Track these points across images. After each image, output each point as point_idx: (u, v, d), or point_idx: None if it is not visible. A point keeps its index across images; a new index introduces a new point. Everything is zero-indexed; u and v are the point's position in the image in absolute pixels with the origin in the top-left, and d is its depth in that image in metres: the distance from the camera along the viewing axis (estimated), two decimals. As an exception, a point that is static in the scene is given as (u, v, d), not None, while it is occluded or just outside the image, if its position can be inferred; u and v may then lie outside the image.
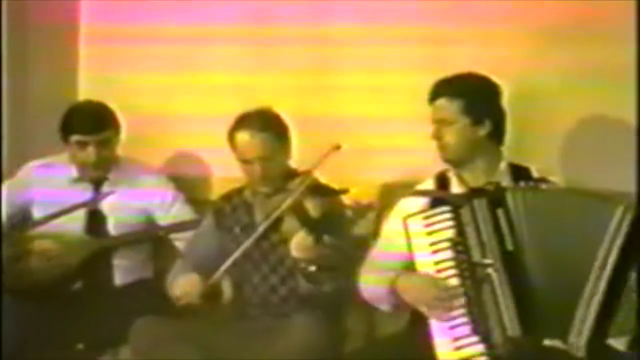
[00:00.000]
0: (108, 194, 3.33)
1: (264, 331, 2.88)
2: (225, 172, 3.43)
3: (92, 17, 3.83)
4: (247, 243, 2.90)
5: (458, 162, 2.76)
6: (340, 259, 2.76)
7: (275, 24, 3.52)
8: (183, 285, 2.95)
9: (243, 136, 2.96)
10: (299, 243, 2.75)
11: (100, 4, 3.82)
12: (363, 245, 2.88)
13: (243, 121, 2.99)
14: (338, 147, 2.88)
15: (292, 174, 3.00)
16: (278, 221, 2.89)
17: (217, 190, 3.47)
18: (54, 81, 3.72)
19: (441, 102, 2.74)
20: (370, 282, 2.75)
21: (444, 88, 2.76)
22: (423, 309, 2.58)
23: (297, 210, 2.83)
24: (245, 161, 3.00)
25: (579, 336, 2.40)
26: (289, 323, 2.84)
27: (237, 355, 2.83)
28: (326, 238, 2.72)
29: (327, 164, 2.88)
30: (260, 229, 2.90)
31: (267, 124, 2.97)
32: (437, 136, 2.74)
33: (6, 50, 3.63)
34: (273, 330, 2.85)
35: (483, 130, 2.73)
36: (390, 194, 3.05)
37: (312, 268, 2.71)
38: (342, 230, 2.81)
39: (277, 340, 2.81)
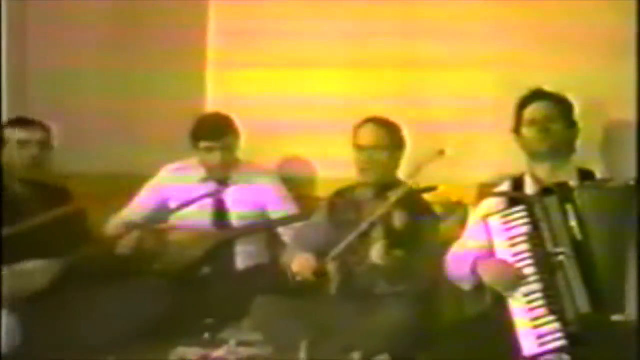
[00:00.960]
0: (224, 189, 3.68)
1: (362, 310, 3.14)
2: (327, 173, 3.82)
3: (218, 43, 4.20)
4: (350, 239, 3.16)
5: (554, 155, 2.97)
6: (408, 270, 3.09)
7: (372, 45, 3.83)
8: (300, 262, 3.25)
9: (367, 126, 3.34)
10: (377, 251, 3.11)
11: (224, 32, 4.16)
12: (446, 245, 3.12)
13: (371, 118, 3.36)
14: (442, 152, 3.15)
15: (396, 183, 3.31)
16: (373, 224, 3.18)
17: (320, 189, 3.82)
18: (184, 96, 4.06)
19: (543, 104, 3.03)
20: (456, 267, 3.01)
21: (543, 94, 3.05)
22: (501, 290, 2.82)
23: (385, 220, 3.16)
24: (359, 147, 3.32)
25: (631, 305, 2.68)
26: (384, 303, 3.12)
27: (340, 330, 3.11)
28: (397, 252, 3.07)
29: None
30: (361, 229, 3.16)
31: (388, 123, 3.34)
32: (545, 127, 2.98)
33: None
34: (370, 309, 3.12)
35: (572, 135, 3.05)
36: (477, 193, 3.32)
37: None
38: (421, 241, 3.12)
39: (373, 317, 3.09)
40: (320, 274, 3.21)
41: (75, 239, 3.34)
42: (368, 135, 3.34)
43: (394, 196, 3.18)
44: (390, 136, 3.35)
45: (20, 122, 3.43)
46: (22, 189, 3.41)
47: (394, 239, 3.09)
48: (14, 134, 3.40)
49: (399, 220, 3.14)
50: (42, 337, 3.03)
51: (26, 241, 3.18)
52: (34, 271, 3.20)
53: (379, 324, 3.08)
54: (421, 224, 3.18)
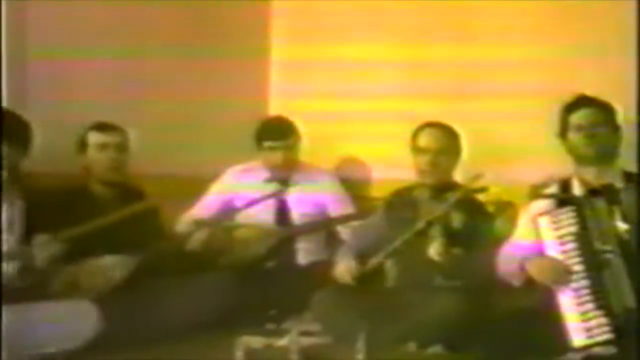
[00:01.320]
0: (286, 188, 3.84)
1: (418, 302, 3.24)
2: (382, 175, 3.98)
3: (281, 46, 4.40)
4: (405, 236, 3.29)
5: (600, 159, 3.06)
6: (464, 267, 3.21)
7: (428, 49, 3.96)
8: (341, 270, 3.40)
9: (428, 129, 3.45)
10: (435, 248, 3.22)
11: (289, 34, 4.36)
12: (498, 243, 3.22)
13: (432, 123, 3.47)
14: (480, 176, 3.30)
15: (452, 186, 3.42)
16: (430, 224, 3.30)
17: (376, 190, 3.97)
18: (248, 103, 4.24)
19: (588, 110, 3.09)
20: (506, 263, 3.12)
21: (588, 101, 3.12)
22: (550, 285, 2.93)
23: (443, 219, 3.28)
24: (420, 150, 3.42)
25: None
26: (439, 296, 3.22)
27: (396, 321, 3.23)
28: (455, 250, 3.19)
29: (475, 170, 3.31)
30: (415, 228, 3.29)
31: (447, 127, 3.46)
32: (591, 133, 3.05)
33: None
34: (426, 301, 3.22)
35: (617, 139, 3.12)
36: (526, 194, 3.33)
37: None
38: (477, 240, 3.23)
39: (428, 309, 3.18)
40: (362, 279, 3.33)
41: (148, 236, 3.48)
42: (429, 139, 3.44)
43: (452, 197, 3.29)
44: (449, 141, 3.46)
45: (100, 126, 3.56)
46: (101, 189, 3.56)
47: (451, 238, 3.21)
48: (94, 138, 3.53)
49: (456, 219, 3.27)
50: (119, 326, 3.14)
51: (104, 237, 3.31)
52: (112, 266, 3.35)
53: (433, 315, 3.18)
54: (476, 223, 3.30)
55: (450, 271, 3.24)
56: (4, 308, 2.99)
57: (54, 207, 3.41)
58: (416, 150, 3.47)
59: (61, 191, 3.52)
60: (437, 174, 3.43)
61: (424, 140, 3.46)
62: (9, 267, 3.08)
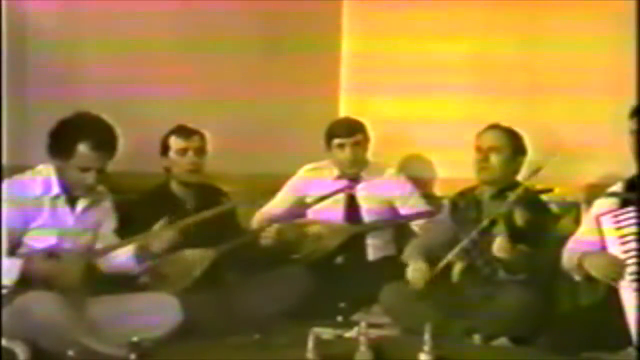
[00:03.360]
0: (355, 185, 3.89)
1: (484, 295, 3.29)
2: (447, 174, 4.03)
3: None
4: (472, 235, 3.32)
5: None
6: (529, 263, 3.22)
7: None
8: (413, 272, 3.40)
9: (488, 130, 3.49)
10: (500, 245, 3.24)
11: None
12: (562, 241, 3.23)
13: (493, 125, 3.51)
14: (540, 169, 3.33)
15: (515, 185, 3.43)
16: (494, 222, 3.32)
17: (441, 188, 4.02)
18: (320, 102, 4.34)
19: None
20: (568, 259, 3.12)
21: None
22: (609, 280, 2.93)
23: (507, 217, 3.29)
24: (478, 148, 3.46)
25: None
26: (505, 289, 3.25)
27: (463, 314, 3.28)
28: (521, 247, 3.21)
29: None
30: (480, 226, 3.32)
31: (508, 129, 3.49)
32: None
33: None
34: (492, 294, 3.26)
35: None
36: (590, 194, 3.43)
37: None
38: (541, 237, 3.24)
39: (494, 302, 3.22)
40: (433, 281, 3.35)
41: (226, 231, 3.56)
42: (487, 138, 3.49)
43: (513, 195, 3.31)
44: (508, 141, 3.48)
45: (181, 131, 3.65)
46: (181, 188, 3.66)
47: (515, 235, 3.23)
48: (175, 143, 3.62)
49: (520, 217, 3.27)
50: (197, 317, 3.21)
51: (186, 233, 3.39)
52: (194, 259, 3.45)
53: (499, 308, 3.22)
54: (540, 222, 3.30)
55: (514, 267, 3.25)
56: (100, 298, 3.14)
57: (138, 205, 3.54)
58: (476, 148, 3.51)
59: (145, 190, 3.64)
60: (492, 172, 3.46)
61: (483, 139, 3.50)
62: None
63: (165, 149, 3.65)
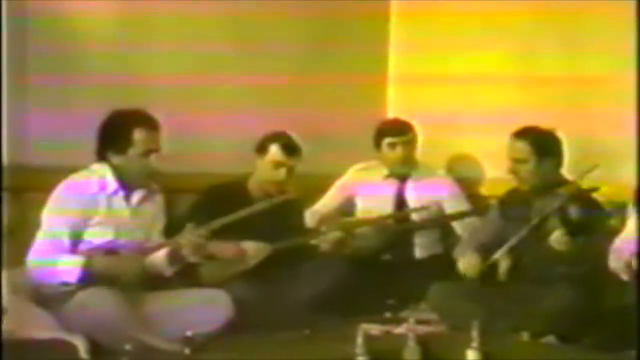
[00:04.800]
0: (404, 184, 3.92)
1: (531, 293, 3.27)
2: (495, 174, 3.98)
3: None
4: (522, 233, 3.33)
5: None
6: (587, 253, 3.22)
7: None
8: (465, 263, 3.42)
9: (512, 140, 3.45)
10: (557, 239, 3.24)
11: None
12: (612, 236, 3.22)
13: (522, 131, 3.47)
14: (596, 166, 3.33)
15: (562, 181, 3.43)
16: (546, 218, 3.33)
17: (489, 188, 4.00)
18: (368, 103, 4.41)
19: None
20: (616, 258, 3.12)
21: None
22: None
23: (561, 212, 3.29)
24: (515, 160, 3.44)
25: None
26: (552, 287, 3.24)
27: (510, 311, 3.27)
28: (578, 239, 3.21)
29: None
30: (533, 222, 3.32)
31: (531, 135, 3.43)
32: None
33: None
34: (539, 292, 3.24)
35: None
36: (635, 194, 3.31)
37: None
38: (595, 230, 3.22)
39: (542, 300, 3.21)
40: (484, 272, 3.37)
41: (285, 227, 3.58)
42: (511, 150, 3.45)
43: (565, 192, 3.31)
44: (531, 149, 3.40)
45: (287, 144, 3.58)
46: (257, 190, 3.64)
47: (569, 228, 3.23)
48: (275, 153, 3.56)
49: (574, 213, 3.26)
50: (247, 312, 3.21)
51: (245, 225, 3.38)
52: (249, 251, 3.50)
53: (547, 306, 3.20)
54: (593, 218, 3.28)
55: (573, 258, 3.24)
56: (155, 294, 3.18)
57: (212, 199, 3.56)
58: (512, 159, 3.46)
59: (220, 184, 3.65)
60: (522, 181, 3.44)
61: (508, 150, 3.46)
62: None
63: (262, 151, 3.60)
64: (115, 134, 3.16)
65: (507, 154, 3.46)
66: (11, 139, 3.36)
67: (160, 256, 3.20)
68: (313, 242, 3.69)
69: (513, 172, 3.44)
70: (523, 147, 3.40)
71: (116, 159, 3.16)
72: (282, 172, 3.58)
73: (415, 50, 4.36)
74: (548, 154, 3.45)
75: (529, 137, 3.43)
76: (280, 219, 3.48)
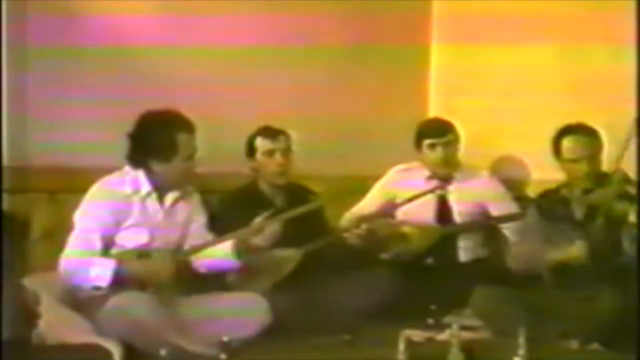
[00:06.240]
0: (447, 185, 3.81)
1: (580, 299, 3.17)
2: (540, 175, 3.88)
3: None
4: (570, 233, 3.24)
5: None
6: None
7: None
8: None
9: (572, 139, 3.35)
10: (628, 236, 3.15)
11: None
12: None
13: (570, 128, 3.38)
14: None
15: (602, 178, 3.33)
16: (591, 214, 3.25)
17: (533, 190, 3.87)
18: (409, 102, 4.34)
19: None
20: None
21: None
22: None
23: (605, 208, 3.21)
24: (572, 160, 3.35)
25: None
26: (601, 293, 3.13)
27: (558, 317, 3.17)
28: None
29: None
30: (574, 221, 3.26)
31: (590, 130, 3.37)
32: None
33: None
34: (588, 298, 3.13)
35: None
36: None
37: None
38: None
39: (591, 306, 3.10)
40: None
41: (313, 230, 3.53)
42: (578, 147, 3.34)
43: (613, 186, 3.20)
44: (594, 140, 3.34)
45: (267, 132, 3.62)
46: (270, 188, 3.65)
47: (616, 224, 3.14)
48: (262, 144, 3.60)
49: (622, 207, 3.17)
50: (286, 318, 3.17)
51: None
52: (283, 258, 3.43)
53: (596, 313, 3.09)
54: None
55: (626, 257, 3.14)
56: (191, 298, 3.13)
57: (226, 204, 3.55)
58: (560, 159, 3.38)
59: (232, 189, 3.64)
60: (585, 180, 3.34)
61: (566, 150, 3.36)
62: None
63: (251, 150, 3.63)
64: (158, 141, 3.09)
65: (562, 150, 3.35)
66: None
67: (221, 252, 3.14)
68: (344, 235, 3.63)
69: (567, 170, 3.34)
70: (586, 143, 3.32)
71: (159, 166, 3.10)
72: (277, 158, 3.57)
73: (459, 46, 4.25)
74: (601, 150, 3.38)
75: (588, 133, 3.35)
76: (302, 223, 3.38)
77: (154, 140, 3.10)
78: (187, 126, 3.12)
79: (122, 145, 3.15)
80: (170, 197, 3.19)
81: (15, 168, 3.27)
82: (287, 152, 3.61)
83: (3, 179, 3.18)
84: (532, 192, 3.89)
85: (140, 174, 3.13)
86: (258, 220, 3.23)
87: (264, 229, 3.24)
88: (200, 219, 3.30)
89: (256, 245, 3.25)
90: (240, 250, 3.19)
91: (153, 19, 3.63)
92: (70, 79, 3.46)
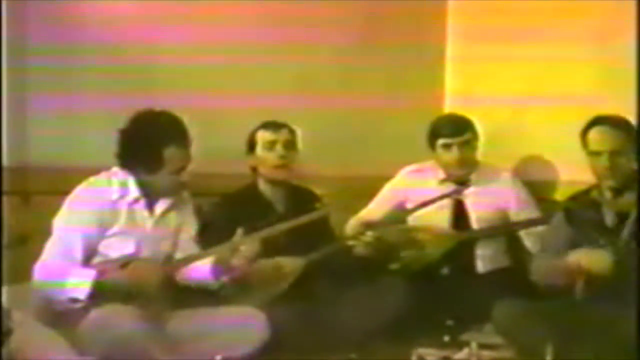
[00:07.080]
0: (464, 189, 3.54)
1: (611, 314, 2.87)
2: (569, 176, 3.59)
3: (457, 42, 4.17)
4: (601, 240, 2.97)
5: None
6: None
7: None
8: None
9: (597, 130, 3.06)
10: None
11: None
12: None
13: (599, 119, 3.09)
14: None
15: (633, 180, 3.04)
16: (623, 219, 2.97)
17: (561, 193, 3.59)
18: (423, 96, 4.07)
19: None
20: None
21: None
22: None
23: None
24: (595, 153, 3.06)
25: None
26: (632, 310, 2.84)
27: (590, 334, 2.88)
28: None
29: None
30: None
31: (620, 120, 3.07)
32: None
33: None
34: (621, 313, 2.84)
35: None
36: None
37: None
38: None
39: (623, 323, 2.81)
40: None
41: (317, 238, 3.31)
42: (602, 139, 3.06)
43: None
44: (622, 134, 3.05)
45: (268, 124, 3.44)
46: (271, 189, 3.43)
47: None
48: (263, 136, 3.42)
49: None
50: (288, 333, 2.99)
51: (274, 239, 3.15)
52: (284, 267, 3.21)
53: (626, 330, 2.79)
54: None
55: None
56: (181, 312, 2.95)
57: (224, 207, 3.35)
58: (591, 153, 3.09)
59: (230, 191, 3.43)
60: (619, 176, 3.04)
61: (596, 141, 3.07)
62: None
63: (252, 145, 3.43)
64: (144, 153, 2.93)
65: (589, 142, 3.07)
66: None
67: (203, 267, 2.95)
68: (351, 243, 3.41)
69: (593, 165, 3.05)
70: (617, 133, 3.03)
71: (145, 177, 2.93)
72: (279, 149, 3.39)
73: (477, 32, 3.99)
74: (630, 146, 3.07)
75: (619, 125, 3.06)
76: (305, 230, 3.15)
77: (140, 149, 2.93)
78: (178, 138, 2.94)
79: (107, 144, 2.96)
80: (161, 205, 3.01)
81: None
82: (289, 145, 3.40)
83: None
84: (559, 196, 3.62)
85: (130, 179, 2.95)
86: (235, 237, 2.97)
87: (239, 248, 2.98)
88: (190, 230, 3.11)
89: (236, 266, 2.98)
90: (218, 272, 2.96)
91: (153, 14, 3.47)
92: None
